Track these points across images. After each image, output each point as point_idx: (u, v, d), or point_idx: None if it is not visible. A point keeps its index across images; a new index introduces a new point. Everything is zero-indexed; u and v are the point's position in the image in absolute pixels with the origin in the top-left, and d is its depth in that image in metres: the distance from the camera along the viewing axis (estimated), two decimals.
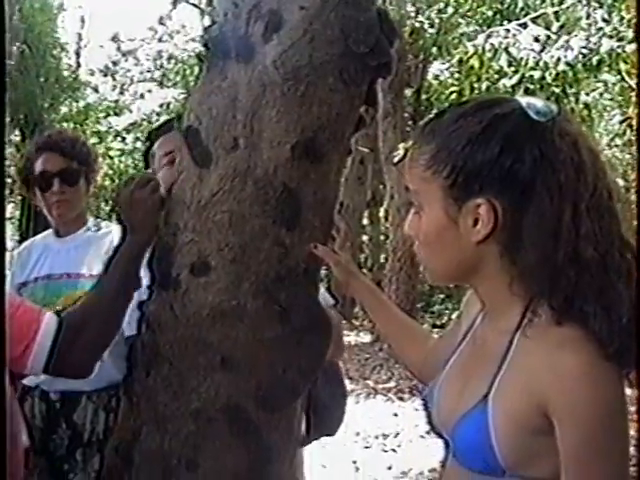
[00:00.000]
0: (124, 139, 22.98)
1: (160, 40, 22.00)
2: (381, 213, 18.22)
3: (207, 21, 16.79)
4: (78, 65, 23.06)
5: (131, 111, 23.29)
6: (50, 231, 3.29)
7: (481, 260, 1.53)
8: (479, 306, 1.70)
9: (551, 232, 1.43)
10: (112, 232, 3.18)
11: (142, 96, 23.11)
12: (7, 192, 14.06)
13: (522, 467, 1.46)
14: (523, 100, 1.51)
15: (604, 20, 10.34)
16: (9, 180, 3.36)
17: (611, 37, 9.33)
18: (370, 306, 2.25)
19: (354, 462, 6.67)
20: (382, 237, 18.14)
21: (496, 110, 1.49)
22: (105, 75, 22.82)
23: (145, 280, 2.36)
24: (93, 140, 21.64)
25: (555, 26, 9.73)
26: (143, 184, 2.26)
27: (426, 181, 1.54)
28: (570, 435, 1.39)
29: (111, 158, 21.96)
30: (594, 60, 8.57)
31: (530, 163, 1.43)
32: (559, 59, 8.68)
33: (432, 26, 12.73)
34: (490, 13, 12.17)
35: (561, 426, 1.39)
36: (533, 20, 9.68)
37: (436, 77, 16.72)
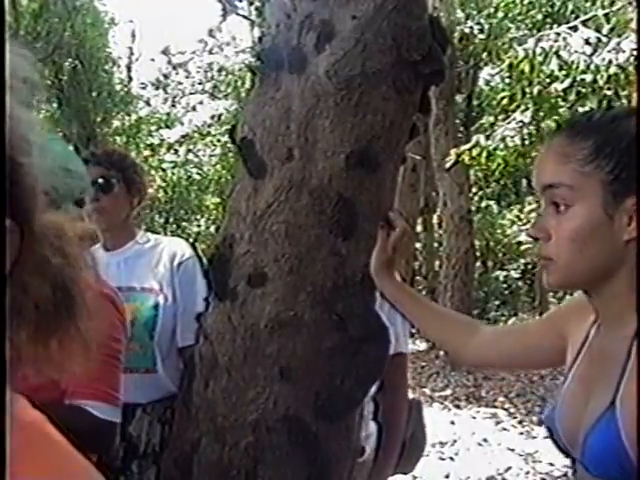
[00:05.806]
0: (177, 151, 23.19)
1: (210, 52, 22.24)
2: (434, 220, 18.19)
3: (257, 32, 16.89)
4: (130, 79, 23.36)
5: (183, 123, 23.55)
6: (98, 245, 3.27)
7: (622, 260, 1.51)
8: (588, 322, 1.68)
9: None
10: (161, 244, 3.18)
11: (194, 108, 23.37)
12: None
13: None
14: None
15: None
16: None
17: None
18: (398, 299, 2.16)
19: None
20: (436, 244, 18.08)
21: None
22: (157, 88, 23.10)
23: (202, 292, 2.37)
24: (146, 153, 21.90)
25: (606, 28, 9.61)
26: None
27: (584, 175, 1.51)
28: None
29: (164, 170, 22.18)
30: None
31: None
32: (610, 62, 8.56)
33: (482, 31, 12.67)
34: (540, 17, 12.09)
35: None
36: (583, 23, 9.57)
37: (487, 82, 16.69)
